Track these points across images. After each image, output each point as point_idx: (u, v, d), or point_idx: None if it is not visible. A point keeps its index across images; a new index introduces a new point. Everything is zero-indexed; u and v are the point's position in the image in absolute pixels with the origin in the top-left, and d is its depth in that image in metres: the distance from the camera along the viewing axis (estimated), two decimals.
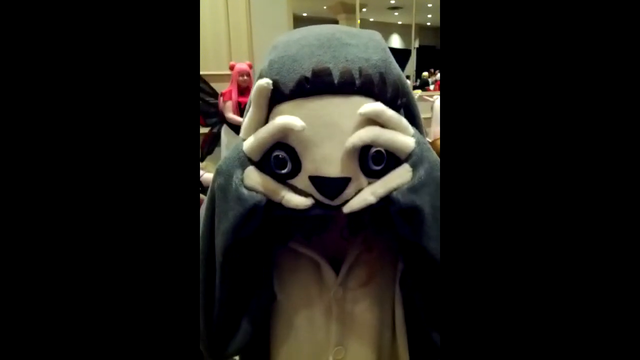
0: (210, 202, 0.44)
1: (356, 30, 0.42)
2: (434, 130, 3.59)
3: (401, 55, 6.71)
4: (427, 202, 0.39)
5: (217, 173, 0.43)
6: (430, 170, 0.39)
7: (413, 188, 0.38)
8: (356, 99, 0.37)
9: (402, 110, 0.42)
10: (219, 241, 0.42)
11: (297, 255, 0.48)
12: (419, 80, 6.34)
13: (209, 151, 3.14)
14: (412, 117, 0.44)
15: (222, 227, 0.41)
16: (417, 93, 4.62)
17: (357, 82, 0.36)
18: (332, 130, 0.37)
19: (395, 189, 0.38)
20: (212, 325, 0.46)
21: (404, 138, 0.39)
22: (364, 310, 0.47)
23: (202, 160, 3.02)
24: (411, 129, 0.40)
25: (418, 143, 0.40)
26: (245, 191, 0.39)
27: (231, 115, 2.80)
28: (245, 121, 0.42)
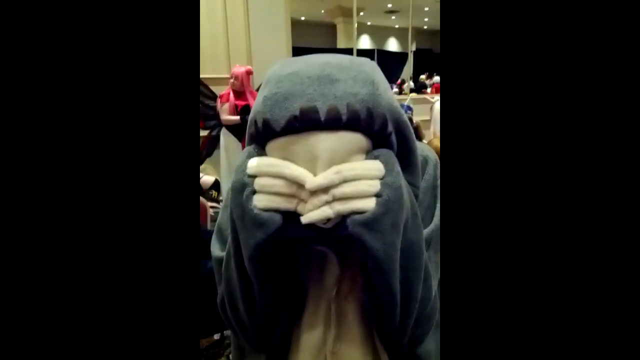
0: (230, 216, 0.46)
1: (347, 61, 0.44)
2: (433, 130, 3.64)
3: (398, 59, 6.74)
4: (378, 240, 0.40)
5: (230, 191, 0.45)
6: (389, 209, 0.40)
7: (365, 222, 0.39)
8: (342, 134, 0.40)
9: (392, 137, 0.44)
10: (247, 266, 0.45)
11: (312, 251, 0.51)
12: (416, 83, 6.36)
13: (208, 154, 3.14)
14: (405, 140, 0.46)
15: (246, 254, 0.43)
16: (414, 96, 4.66)
17: (344, 117, 0.39)
18: (316, 164, 0.41)
19: (353, 212, 0.40)
20: (257, 325, 0.49)
21: (357, 203, 0.40)
22: (358, 311, 0.51)
23: (201, 163, 3.02)
24: (379, 171, 0.41)
25: (386, 185, 0.40)
26: (263, 215, 0.41)
27: (226, 117, 2.81)
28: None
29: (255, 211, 0.41)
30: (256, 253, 0.42)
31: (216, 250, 0.56)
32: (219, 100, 2.91)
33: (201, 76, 2.87)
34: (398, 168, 0.42)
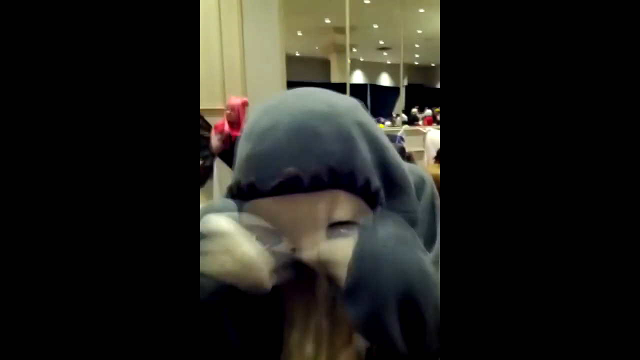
0: None
1: (328, 109, 0.44)
2: (427, 159, 3.73)
3: (391, 93, 6.92)
4: (356, 309, 0.40)
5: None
6: (361, 276, 0.41)
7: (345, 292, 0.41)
8: (325, 194, 0.42)
9: (377, 189, 0.44)
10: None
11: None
12: (409, 116, 6.50)
13: (201, 184, 3.14)
14: (394, 184, 0.47)
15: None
16: (407, 127, 4.79)
17: (326, 179, 0.41)
18: (300, 224, 0.43)
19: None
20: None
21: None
22: (352, 332, 0.47)
23: None
24: (348, 251, 0.42)
25: (358, 257, 0.41)
26: (202, 281, 0.40)
27: (214, 143, 2.85)
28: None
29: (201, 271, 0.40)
30: (206, 311, 0.41)
31: None
32: (213, 130, 2.94)
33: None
34: (370, 238, 0.42)
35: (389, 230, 0.44)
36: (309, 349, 0.48)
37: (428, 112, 6.98)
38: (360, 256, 0.42)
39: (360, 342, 0.46)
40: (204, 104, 3.18)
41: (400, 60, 5.82)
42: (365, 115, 0.47)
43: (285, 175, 0.40)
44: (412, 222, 0.49)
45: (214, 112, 3.20)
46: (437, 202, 0.54)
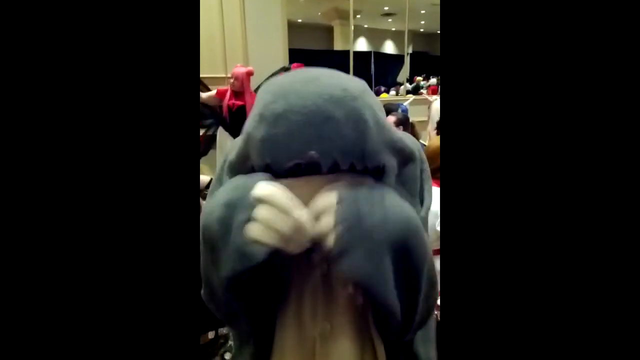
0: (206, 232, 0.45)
1: (340, 91, 0.44)
2: (430, 129, 3.67)
3: (395, 61, 6.77)
4: (352, 270, 0.41)
5: (223, 206, 0.43)
6: (347, 243, 0.41)
7: (333, 258, 0.41)
8: (339, 176, 0.44)
9: (389, 169, 0.47)
10: (218, 284, 0.45)
11: None
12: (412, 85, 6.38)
13: (204, 153, 3.13)
14: (402, 156, 0.51)
15: (222, 274, 0.43)
16: (413, 97, 4.70)
17: (342, 162, 0.43)
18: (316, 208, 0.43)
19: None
20: (243, 322, 0.50)
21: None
22: (347, 290, 0.49)
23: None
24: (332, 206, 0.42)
25: (341, 219, 0.41)
26: (251, 247, 0.40)
27: (203, 95, 2.84)
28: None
29: (243, 240, 0.40)
30: (229, 281, 0.42)
31: None
32: (214, 94, 2.92)
33: (200, 75, 2.87)
34: (358, 194, 0.42)
35: (373, 186, 0.44)
36: (306, 316, 0.49)
37: (433, 81, 6.83)
38: (345, 202, 0.41)
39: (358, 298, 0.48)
40: (205, 72, 3.13)
41: (405, 26, 5.65)
42: (373, 97, 0.48)
43: (307, 159, 0.42)
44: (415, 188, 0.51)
45: (216, 80, 3.15)
46: (426, 166, 0.56)
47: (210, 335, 1.75)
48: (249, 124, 0.47)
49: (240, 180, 0.45)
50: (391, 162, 0.49)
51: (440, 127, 0.39)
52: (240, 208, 0.41)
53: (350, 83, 0.46)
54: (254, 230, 0.40)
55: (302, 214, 0.41)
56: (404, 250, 0.42)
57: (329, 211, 0.41)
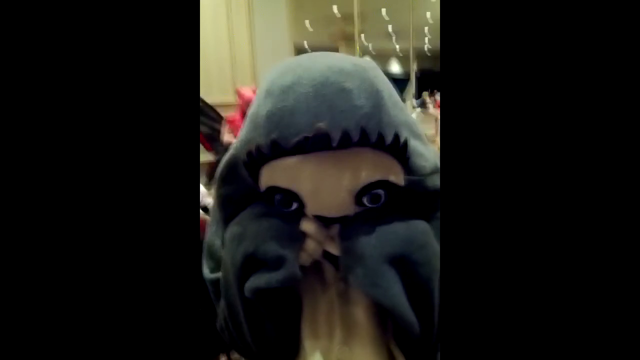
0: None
1: (349, 65, 0.42)
2: (438, 142, 3.67)
3: (400, 82, 6.82)
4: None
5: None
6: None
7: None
8: (352, 153, 0.40)
9: (407, 146, 0.43)
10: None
11: None
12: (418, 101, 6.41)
13: (214, 177, 3.15)
14: (413, 133, 0.47)
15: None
16: (419, 111, 4.73)
17: (355, 136, 0.39)
18: (332, 182, 0.41)
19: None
20: (264, 346, 0.48)
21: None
22: (366, 309, 0.47)
23: (209, 185, 3.03)
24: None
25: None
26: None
27: (226, 138, 2.85)
28: None
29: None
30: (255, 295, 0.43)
31: (207, 271, 0.55)
32: (225, 125, 2.95)
33: (208, 100, 2.92)
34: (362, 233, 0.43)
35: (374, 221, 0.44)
36: (322, 329, 0.47)
37: (438, 97, 6.86)
38: (344, 233, 0.43)
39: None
40: (214, 97, 3.19)
41: (410, 45, 5.72)
42: (382, 73, 0.46)
43: (315, 131, 0.38)
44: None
45: (225, 106, 3.21)
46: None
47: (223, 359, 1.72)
48: (254, 104, 0.45)
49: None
50: (413, 143, 0.45)
51: (440, 144, 0.37)
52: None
53: (360, 59, 0.45)
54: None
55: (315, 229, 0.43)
56: (408, 264, 0.42)
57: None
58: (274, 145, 0.40)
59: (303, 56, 0.45)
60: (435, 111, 4.50)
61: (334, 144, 0.38)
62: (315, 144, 0.38)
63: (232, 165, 0.48)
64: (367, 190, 0.42)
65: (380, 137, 0.40)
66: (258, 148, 0.41)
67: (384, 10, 6.81)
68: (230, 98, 3.23)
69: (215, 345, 1.39)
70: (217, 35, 3.38)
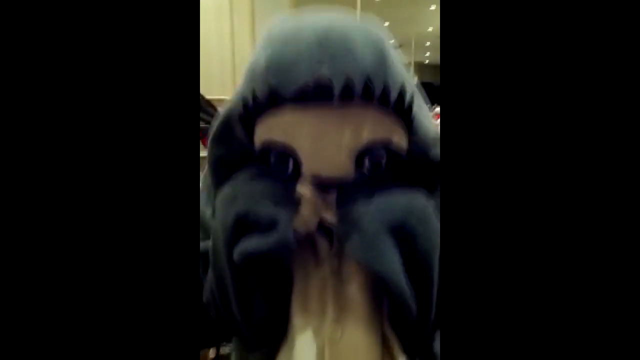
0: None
1: (354, 20, 0.41)
2: None
3: None
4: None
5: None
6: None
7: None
8: (355, 107, 0.38)
9: (412, 107, 0.41)
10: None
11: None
12: None
13: None
14: (416, 94, 0.45)
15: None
16: None
17: (358, 89, 0.37)
18: (331, 139, 0.39)
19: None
20: (254, 325, 0.45)
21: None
22: (361, 287, 0.44)
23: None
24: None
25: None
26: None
27: None
28: None
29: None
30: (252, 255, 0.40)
31: None
32: None
33: (208, 97, 2.93)
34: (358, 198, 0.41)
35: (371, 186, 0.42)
36: (314, 307, 0.44)
37: (437, 109, 6.97)
38: (341, 200, 0.40)
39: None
40: (215, 94, 3.20)
41: (411, 58, 5.81)
42: (385, 33, 0.44)
43: (315, 79, 0.36)
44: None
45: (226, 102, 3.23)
46: None
47: (212, 354, 1.69)
48: (253, 56, 0.42)
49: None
50: (419, 102, 0.43)
51: (440, 154, 0.40)
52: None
53: (365, 21, 0.43)
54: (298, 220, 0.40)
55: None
56: (408, 236, 0.40)
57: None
58: (273, 94, 0.37)
59: (305, 13, 0.43)
60: (435, 123, 4.58)
61: (336, 93, 0.36)
62: (316, 93, 0.36)
63: (227, 122, 0.45)
64: (368, 152, 0.40)
65: (385, 92, 0.38)
66: (255, 97, 0.39)
67: (386, 23, 6.93)
68: (231, 95, 3.24)
69: (203, 338, 1.36)
70: (220, 34, 3.42)
